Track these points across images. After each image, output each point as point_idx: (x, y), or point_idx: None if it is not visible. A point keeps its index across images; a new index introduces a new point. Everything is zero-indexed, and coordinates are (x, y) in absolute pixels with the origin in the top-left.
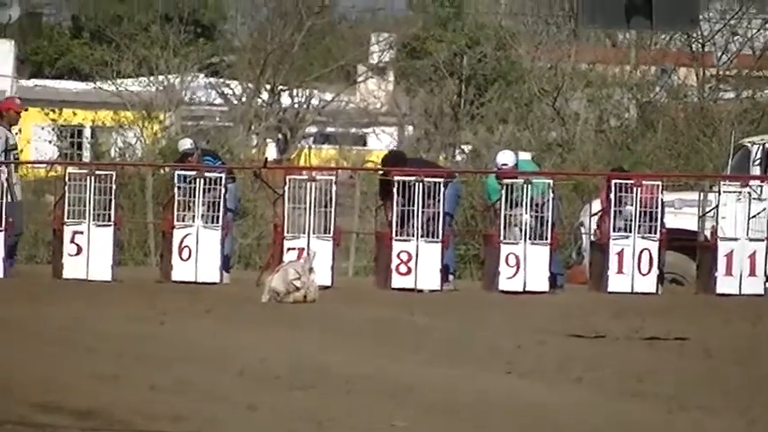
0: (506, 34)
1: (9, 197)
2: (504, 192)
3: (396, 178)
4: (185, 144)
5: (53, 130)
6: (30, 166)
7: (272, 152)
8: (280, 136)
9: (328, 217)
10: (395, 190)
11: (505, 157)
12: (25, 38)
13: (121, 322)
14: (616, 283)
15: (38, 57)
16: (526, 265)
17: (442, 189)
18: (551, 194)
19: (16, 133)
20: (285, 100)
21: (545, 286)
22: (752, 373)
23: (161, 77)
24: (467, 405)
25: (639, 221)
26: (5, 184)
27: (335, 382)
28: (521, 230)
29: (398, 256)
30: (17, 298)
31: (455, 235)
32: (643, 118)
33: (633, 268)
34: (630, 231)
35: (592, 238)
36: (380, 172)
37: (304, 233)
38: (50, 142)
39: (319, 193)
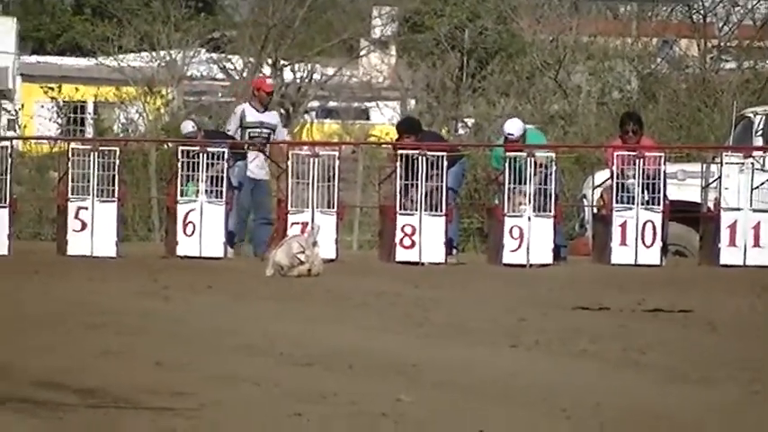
0: (507, 7)
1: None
2: (507, 164)
3: (399, 152)
4: (187, 127)
5: (53, 107)
6: (33, 141)
7: None
8: (282, 111)
9: (332, 191)
10: (397, 163)
11: (512, 127)
12: (27, 14)
13: (126, 298)
14: (619, 254)
15: (40, 33)
16: (530, 238)
17: (446, 164)
18: (554, 167)
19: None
20: (287, 75)
21: (549, 259)
22: (756, 345)
23: (163, 53)
24: (471, 380)
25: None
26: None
27: (339, 356)
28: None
29: (402, 229)
30: (21, 275)
31: (458, 208)
32: (644, 90)
33: (636, 240)
34: (633, 203)
35: (594, 210)
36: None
37: (308, 207)
38: (50, 119)
39: (322, 168)
